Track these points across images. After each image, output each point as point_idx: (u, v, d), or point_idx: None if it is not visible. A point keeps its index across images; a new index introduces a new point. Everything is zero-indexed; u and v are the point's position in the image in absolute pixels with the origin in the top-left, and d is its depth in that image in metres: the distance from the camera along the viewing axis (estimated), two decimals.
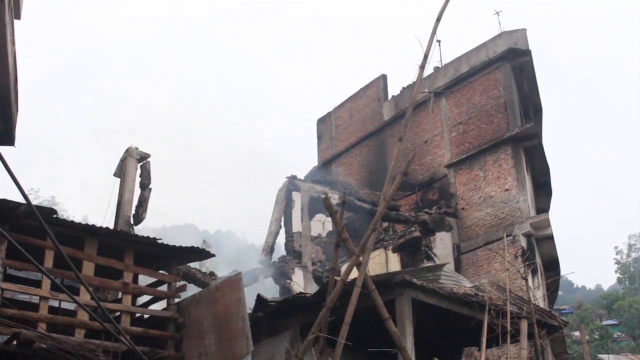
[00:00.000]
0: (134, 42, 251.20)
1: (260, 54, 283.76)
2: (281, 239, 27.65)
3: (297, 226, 27.10)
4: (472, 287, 15.57)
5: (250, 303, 15.17)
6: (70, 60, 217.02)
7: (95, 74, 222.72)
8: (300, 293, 16.92)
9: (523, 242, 24.18)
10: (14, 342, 10.86)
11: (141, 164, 19.24)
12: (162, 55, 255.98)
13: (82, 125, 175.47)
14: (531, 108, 30.53)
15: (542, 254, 25.81)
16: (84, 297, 12.02)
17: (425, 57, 9.10)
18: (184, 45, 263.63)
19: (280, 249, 29.57)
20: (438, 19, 9.35)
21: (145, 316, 14.08)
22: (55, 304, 13.12)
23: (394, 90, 33.44)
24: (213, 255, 15.00)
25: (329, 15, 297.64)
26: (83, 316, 12.15)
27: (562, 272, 27.25)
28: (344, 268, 9.02)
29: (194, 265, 18.99)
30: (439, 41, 30.30)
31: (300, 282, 24.43)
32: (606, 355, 47.38)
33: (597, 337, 62.77)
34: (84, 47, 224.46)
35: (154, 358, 12.65)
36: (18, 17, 16.45)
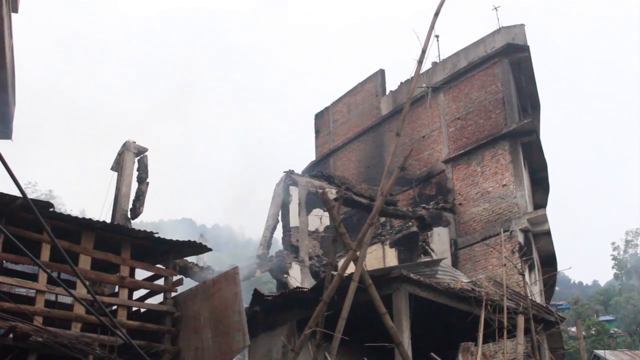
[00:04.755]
0: (133, 36, 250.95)
1: (259, 50, 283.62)
2: (278, 234, 27.66)
3: (294, 221, 27.09)
4: (469, 282, 15.58)
5: (247, 297, 15.17)
6: (68, 53, 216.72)
7: (94, 67, 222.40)
8: (297, 288, 16.91)
9: (520, 238, 24.19)
10: (10, 336, 10.86)
11: (138, 157, 19.25)
12: (160, 51, 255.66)
13: (81, 118, 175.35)
14: (529, 104, 30.54)
15: (539, 250, 25.84)
16: (81, 290, 12.01)
17: (423, 52, 9.06)
18: (184, 42, 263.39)
19: (277, 244, 29.56)
20: (436, 14, 9.31)
21: (142, 310, 14.09)
22: (52, 297, 13.10)
23: (391, 85, 33.49)
24: (210, 250, 15.01)
25: (330, 15, 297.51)
26: (79, 310, 12.15)
27: (559, 268, 27.34)
28: (341, 263, 9.01)
29: (191, 259, 18.98)
30: (437, 36, 30.37)
31: (297, 277, 24.41)
32: (603, 351, 47.43)
33: (593, 332, 62.83)
34: (82, 40, 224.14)
35: (150, 352, 12.65)
36: (15, 10, 16.40)
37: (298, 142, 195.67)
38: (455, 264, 25.17)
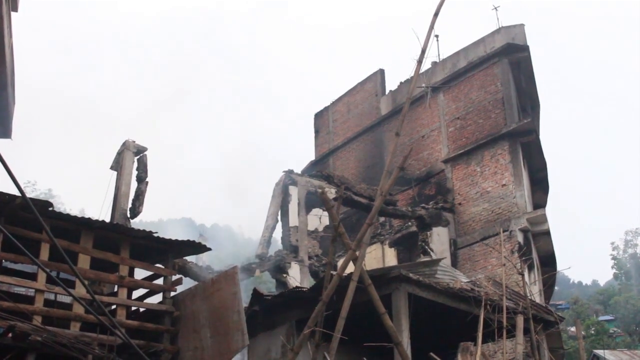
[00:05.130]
0: (133, 36, 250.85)
1: (259, 49, 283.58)
2: (278, 233, 27.64)
3: (293, 220, 27.07)
4: (468, 282, 15.58)
5: (246, 297, 15.16)
6: (68, 52, 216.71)
7: (94, 66, 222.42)
8: (297, 287, 16.89)
9: (519, 238, 24.18)
10: (10, 335, 10.86)
11: (138, 157, 19.23)
12: (160, 51, 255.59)
13: (81, 117, 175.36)
14: (528, 103, 30.54)
15: (538, 250, 25.83)
16: (80, 290, 12.01)
17: (423, 51, 9.05)
18: (184, 42, 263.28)
19: (276, 243, 29.54)
20: (436, 14, 9.30)
21: (141, 309, 14.07)
22: (51, 296, 13.11)
23: (391, 85, 33.46)
24: (209, 249, 14.99)
25: (329, 15, 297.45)
26: (78, 309, 12.14)
27: (559, 268, 27.33)
28: (340, 262, 9.00)
29: (190, 258, 18.97)
30: (436, 36, 30.33)
31: (297, 277, 24.39)
32: (602, 351, 47.42)
33: (593, 332, 62.85)
34: (82, 39, 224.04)
35: (149, 351, 12.65)
36: (15, 9, 16.39)
37: (297, 141, 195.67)
38: (454, 263, 25.17)
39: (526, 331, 14.16)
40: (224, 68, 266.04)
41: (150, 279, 14.27)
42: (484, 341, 13.39)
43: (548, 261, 26.93)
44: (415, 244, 26.72)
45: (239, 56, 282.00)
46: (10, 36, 16.14)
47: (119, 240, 13.31)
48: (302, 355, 8.53)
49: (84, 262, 12.54)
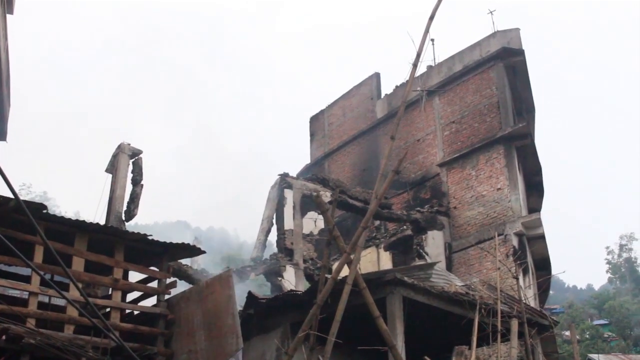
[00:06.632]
0: (130, 38, 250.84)
1: (256, 52, 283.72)
2: (273, 237, 27.66)
3: (289, 224, 27.08)
4: (463, 285, 15.56)
5: (241, 300, 15.15)
6: (64, 52, 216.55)
7: (88, 68, 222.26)
8: (292, 290, 16.87)
9: (514, 242, 24.20)
10: (3, 338, 10.83)
11: (133, 160, 19.21)
12: (159, 52, 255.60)
13: (77, 119, 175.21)
14: (524, 107, 30.56)
15: (533, 253, 25.84)
16: (74, 292, 11.98)
17: (418, 55, 9.06)
18: (182, 45, 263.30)
19: (272, 247, 29.54)
20: (431, 18, 9.32)
21: (135, 312, 14.05)
22: (45, 299, 13.07)
23: (387, 88, 33.48)
24: (204, 252, 14.99)
25: (326, 18, 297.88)
26: (72, 312, 12.12)
27: (553, 272, 27.29)
28: (335, 266, 9.00)
29: (184, 261, 18.95)
30: (432, 40, 30.37)
31: (292, 280, 24.38)
32: (596, 355, 47.48)
33: (587, 336, 62.86)
34: (80, 40, 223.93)
35: (143, 354, 12.62)
36: (11, 12, 16.40)
37: (293, 145, 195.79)
38: (449, 267, 25.16)
39: (521, 335, 14.15)
40: (220, 71, 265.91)
41: (144, 281, 14.25)
42: (479, 345, 13.39)
43: (543, 265, 26.93)
44: (410, 248, 26.71)
45: (234, 59, 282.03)
46: (6, 38, 16.13)
47: (114, 243, 13.29)
48: (297, 359, 8.52)
49: (78, 264, 12.52)
